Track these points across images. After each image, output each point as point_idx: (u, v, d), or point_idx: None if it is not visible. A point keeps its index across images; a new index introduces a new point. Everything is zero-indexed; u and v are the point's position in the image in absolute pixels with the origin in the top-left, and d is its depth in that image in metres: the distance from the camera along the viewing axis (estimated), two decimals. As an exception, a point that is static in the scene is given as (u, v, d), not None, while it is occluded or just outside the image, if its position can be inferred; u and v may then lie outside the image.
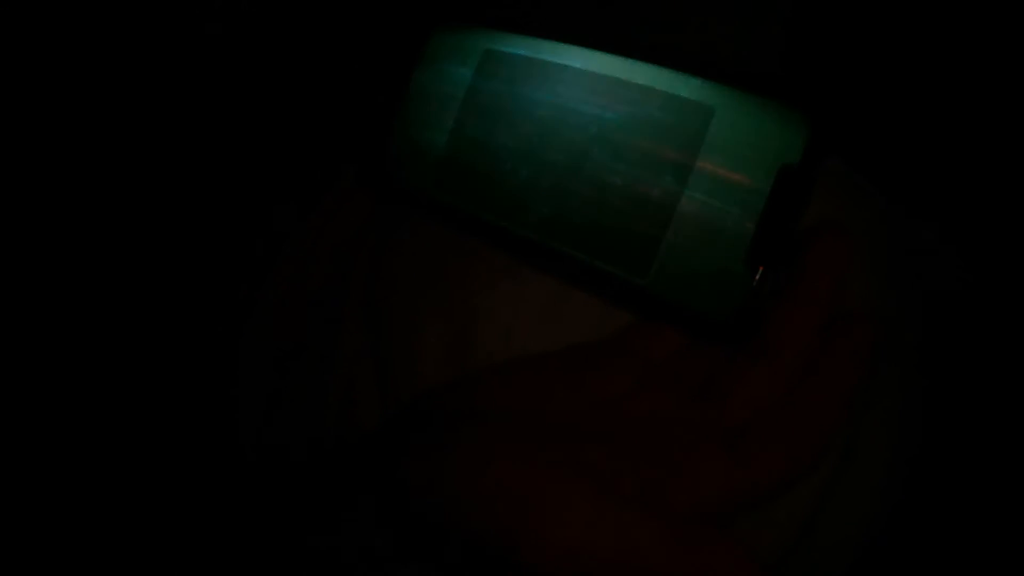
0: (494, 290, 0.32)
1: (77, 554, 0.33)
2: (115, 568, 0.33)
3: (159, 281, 0.40)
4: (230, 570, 0.30)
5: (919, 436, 0.30)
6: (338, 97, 0.41)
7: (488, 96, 0.33)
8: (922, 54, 0.33)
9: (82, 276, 0.39)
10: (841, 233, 0.29)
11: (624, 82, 0.30)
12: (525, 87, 0.32)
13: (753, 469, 0.26)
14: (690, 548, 0.24)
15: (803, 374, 0.27)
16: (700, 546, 0.24)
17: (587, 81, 0.31)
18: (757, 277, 0.27)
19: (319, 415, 0.35)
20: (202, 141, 0.41)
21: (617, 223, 0.29)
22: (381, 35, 0.39)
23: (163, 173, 0.41)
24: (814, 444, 0.26)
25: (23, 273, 0.38)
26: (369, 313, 0.35)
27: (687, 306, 0.28)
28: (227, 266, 0.40)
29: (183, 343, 0.39)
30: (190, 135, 0.41)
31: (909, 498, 0.29)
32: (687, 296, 0.28)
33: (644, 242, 0.28)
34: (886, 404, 0.29)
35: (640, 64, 0.30)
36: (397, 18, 0.38)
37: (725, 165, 0.28)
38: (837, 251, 0.28)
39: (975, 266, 0.32)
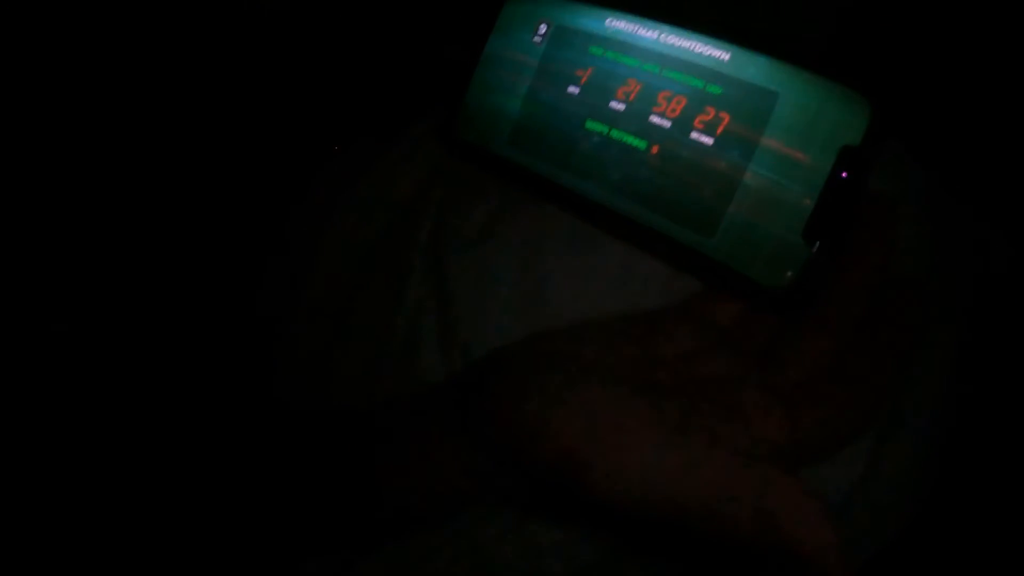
0: (566, 252, 0.34)
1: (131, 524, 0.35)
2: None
3: (216, 230, 0.42)
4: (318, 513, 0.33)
5: (965, 404, 0.32)
6: (415, 54, 0.42)
7: (561, 65, 0.34)
8: (973, 38, 0.34)
9: (142, 231, 0.41)
10: (890, 205, 0.30)
11: (694, 58, 0.32)
12: (597, 60, 0.33)
13: (808, 427, 0.28)
14: (747, 476, 0.26)
15: (856, 338, 0.29)
16: (763, 476, 0.26)
17: (658, 56, 0.32)
18: (814, 251, 0.29)
19: (380, 362, 0.37)
20: (278, 92, 0.42)
21: (683, 192, 0.31)
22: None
23: (230, 116, 0.43)
24: (867, 404, 0.28)
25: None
26: (436, 262, 0.37)
27: (747, 275, 0.30)
28: (287, 214, 0.42)
29: (239, 293, 0.42)
30: (269, 87, 0.42)
31: (954, 463, 0.31)
32: (748, 265, 0.30)
33: (709, 211, 0.30)
34: (934, 371, 0.32)
35: (710, 40, 0.31)
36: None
37: (789, 143, 0.29)
38: (887, 222, 0.30)
39: (1020, 243, 0.33)
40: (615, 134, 0.33)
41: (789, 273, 0.29)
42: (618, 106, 0.33)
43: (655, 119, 0.32)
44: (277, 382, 0.40)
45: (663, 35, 0.32)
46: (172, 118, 0.42)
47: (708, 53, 0.31)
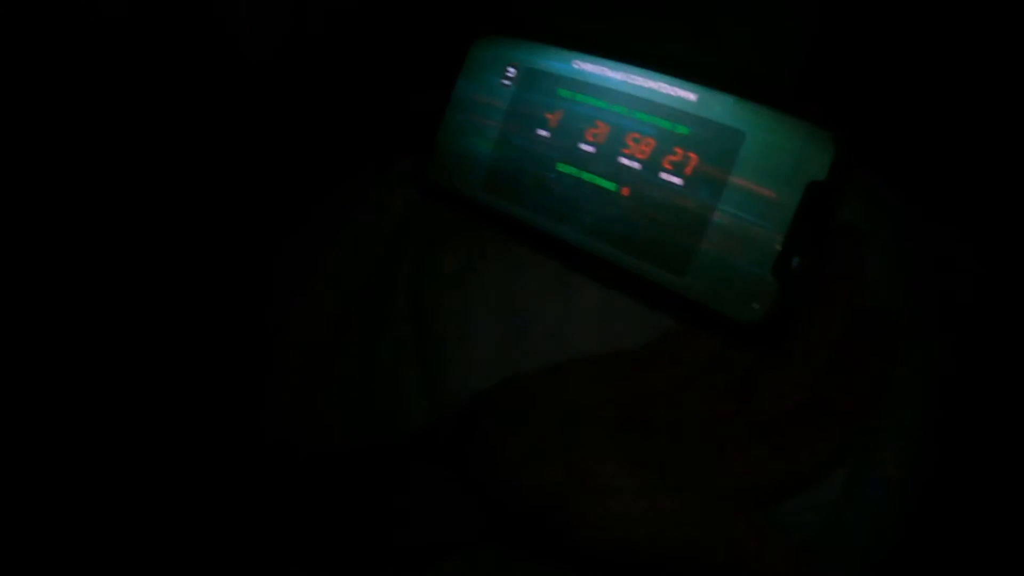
0: (544, 292, 0.34)
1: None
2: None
3: (196, 275, 0.42)
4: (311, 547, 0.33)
5: (938, 429, 0.32)
6: (386, 100, 0.42)
7: (530, 108, 0.35)
8: (941, 62, 0.35)
9: (122, 270, 0.41)
10: (859, 236, 0.31)
11: (661, 99, 0.32)
12: (566, 102, 0.34)
13: (787, 458, 0.28)
14: (723, 523, 0.27)
15: (828, 368, 0.30)
16: (733, 522, 0.27)
17: (625, 97, 0.33)
18: (784, 286, 0.29)
19: (363, 409, 0.38)
20: (253, 144, 0.42)
21: (654, 232, 0.31)
22: (425, 41, 0.41)
23: (205, 167, 0.43)
24: (843, 434, 0.29)
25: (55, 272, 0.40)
26: (415, 309, 0.38)
27: (720, 311, 0.30)
28: (267, 260, 0.42)
29: (224, 337, 0.41)
30: (245, 138, 0.42)
31: (930, 487, 0.32)
32: (721, 301, 0.30)
33: (680, 250, 0.31)
34: (907, 397, 0.32)
35: (677, 81, 0.32)
36: (440, 25, 0.39)
37: (757, 181, 0.30)
38: (856, 253, 0.31)
39: (991, 268, 0.34)
40: (586, 176, 0.33)
41: (762, 308, 0.29)
42: (588, 148, 0.33)
43: (624, 161, 0.32)
44: (266, 421, 0.40)
45: (630, 76, 0.33)
46: (155, 156, 0.42)
47: (675, 94, 0.32)
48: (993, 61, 0.34)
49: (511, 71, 0.36)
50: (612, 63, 0.33)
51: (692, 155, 0.31)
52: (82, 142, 0.41)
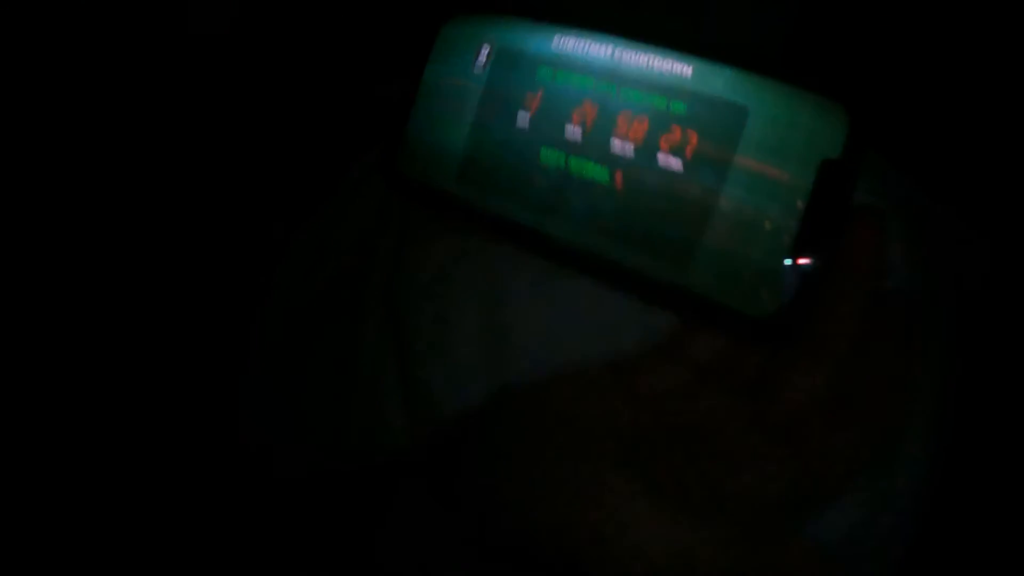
0: (530, 293, 0.32)
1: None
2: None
3: (170, 281, 0.39)
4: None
5: (958, 418, 0.30)
6: (348, 89, 0.39)
7: (508, 91, 0.32)
8: (940, 38, 0.33)
9: (93, 280, 0.39)
10: (876, 217, 0.28)
11: (653, 74, 0.29)
12: (547, 83, 0.31)
13: (814, 462, 0.25)
14: (754, 547, 0.24)
15: (850, 360, 0.27)
16: (764, 544, 0.24)
17: (613, 74, 0.30)
18: (800, 274, 0.26)
19: (341, 424, 0.35)
20: (211, 138, 0.40)
21: (653, 222, 0.28)
22: (391, 25, 0.38)
23: (173, 170, 0.40)
24: (871, 431, 0.26)
25: (25, 277, 0.38)
26: (391, 315, 0.34)
27: (729, 305, 0.27)
28: (238, 264, 0.40)
29: (196, 346, 0.39)
30: (202, 132, 0.40)
31: (949, 484, 0.29)
32: (729, 295, 0.27)
33: (682, 241, 0.28)
34: (927, 389, 0.30)
35: (670, 53, 0.29)
36: (408, 5, 0.37)
37: (764, 161, 0.27)
38: (875, 236, 0.28)
39: (1003, 251, 0.32)
40: (573, 163, 0.30)
41: (776, 299, 0.27)
42: (574, 131, 0.30)
43: (616, 143, 0.29)
44: (244, 439, 0.37)
45: (617, 51, 0.30)
46: (104, 145, 0.40)
47: (668, 68, 0.29)
48: (994, 42, 0.32)
49: (485, 51, 0.32)
50: (597, 37, 0.30)
51: (692, 134, 0.28)
52: (27, 128, 0.38)
